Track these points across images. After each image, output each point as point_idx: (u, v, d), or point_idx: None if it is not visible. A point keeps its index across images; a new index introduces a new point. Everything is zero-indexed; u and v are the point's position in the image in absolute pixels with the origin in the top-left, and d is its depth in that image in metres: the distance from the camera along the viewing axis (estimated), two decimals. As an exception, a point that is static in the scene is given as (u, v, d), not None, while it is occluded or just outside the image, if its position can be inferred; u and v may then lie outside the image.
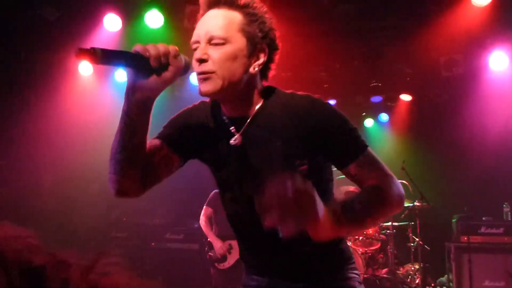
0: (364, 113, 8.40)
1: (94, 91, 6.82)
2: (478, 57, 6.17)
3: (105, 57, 1.31)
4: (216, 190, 5.40)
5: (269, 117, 1.58)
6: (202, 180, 6.33)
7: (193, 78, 7.15)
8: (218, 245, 5.15)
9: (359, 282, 1.76)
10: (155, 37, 5.75)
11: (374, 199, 1.51)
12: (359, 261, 5.83)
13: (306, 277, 1.70)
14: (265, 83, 1.67)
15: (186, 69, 1.44)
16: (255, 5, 1.55)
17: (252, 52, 1.52)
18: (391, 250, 6.09)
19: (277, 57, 1.63)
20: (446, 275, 5.98)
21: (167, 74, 1.39)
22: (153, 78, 1.39)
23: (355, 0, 5.52)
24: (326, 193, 1.66)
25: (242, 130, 1.59)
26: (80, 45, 1.34)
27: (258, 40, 1.53)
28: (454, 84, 6.71)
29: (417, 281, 5.89)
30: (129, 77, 1.44)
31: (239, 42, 1.49)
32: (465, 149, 6.79)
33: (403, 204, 1.60)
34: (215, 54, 1.47)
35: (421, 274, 5.75)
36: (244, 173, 1.61)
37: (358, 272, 1.80)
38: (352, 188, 7.26)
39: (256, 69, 1.54)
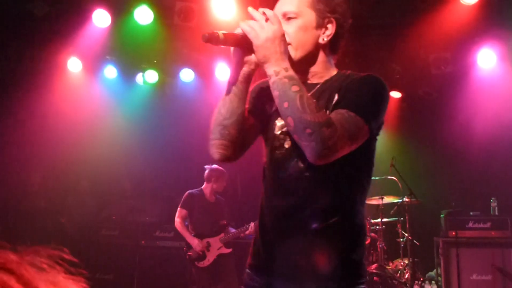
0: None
1: (83, 88, 6.77)
2: (467, 55, 6.22)
3: (225, 40, 1.59)
4: (189, 191, 5.42)
5: (332, 85, 1.73)
6: (191, 178, 6.35)
7: (184, 76, 7.11)
8: (195, 242, 5.17)
9: None
10: (145, 34, 5.73)
11: (309, 101, 1.52)
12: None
13: (310, 278, 1.66)
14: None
15: None
16: None
17: (321, 24, 1.71)
18: (380, 245, 6.14)
19: (346, 33, 1.79)
20: (435, 270, 6.05)
21: None
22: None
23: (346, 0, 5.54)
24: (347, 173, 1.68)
25: (309, 94, 1.70)
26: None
27: (326, 14, 1.71)
28: (443, 82, 6.77)
29: (406, 276, 5.94)
30: (237, 53, 1.67)
31: (308, 16, 1.70)
32: (453, 146, 6.86)
33: (314, 141, 1.49)
34: (289, 28, 1.68)
35: (410, 269, 5.80)
36: None
37: None
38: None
39: (326, 39, 1.72)
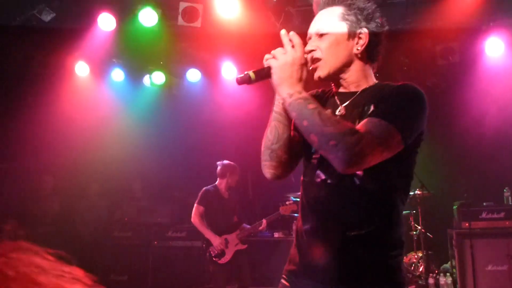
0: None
1: (91, 92, 6.82)
2: (474, 44, 6.16)
3: (257, 77, 1.67)
4: (205, 188, 5.42)
5: (369, 95, 1.75)
6: (201, 177, 6.36)
7: (190, 76, 7.13)
8: (217, 241, 5.16)
9: None
10: (150, 36, 5.74)
11: (328, 115, 1.56)
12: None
13: (344, 282, 1.68)
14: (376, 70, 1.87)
15: None
16: (362, 4, 1.79)
17: (353, 35, 1.75)
18: (393, 239, 6.10)
19: (382, 40, 1.82)
20: (449, 262, 6.02)
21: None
22: None
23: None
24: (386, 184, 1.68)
25: (346, 103, 1.78)
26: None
27: (358, 25, 1.75)
28: (451, 72, 6.71)
29: (420, 269, 5.92)
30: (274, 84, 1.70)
31: (339, 29, 1.75)
32: (464, 136, 6.80)
33: (342, 156, 1.50)
34: (322, 44, 1.76)
35: (424, 262, 5.78)
36: None
37: None
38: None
39: (359, 49, 1.75)
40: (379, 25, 1.80)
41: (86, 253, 6.02)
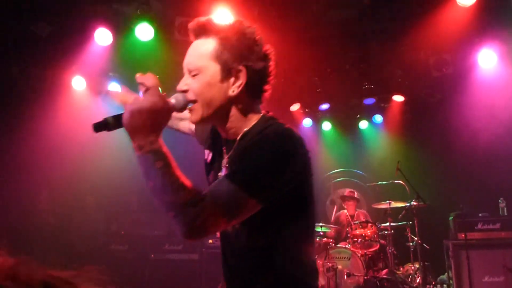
0: (358, 115, 8.46)
1: (88, 106, 6.84)
2: (467, 56, 6.24)
3: (116, 124, 1.46)
4: None
5: (246, 142, 1.60)
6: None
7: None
8: None
9: None
10: (146, 50, 5.79)
11: (173, 180, 1.40)
12: (358, 263, 5.85)
13: None
14: (264, 107, 1.70)
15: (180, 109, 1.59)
16: (230, 28, 1.59)
17: (228, 76, 1.56)
18: (390, 250, 6.11)
19: (270, 74, 1.64)
20: (446, 273, 6.01)
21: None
22: None
23: (344, 6, 5.59)
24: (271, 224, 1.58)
25: (230, 153, 1.66)
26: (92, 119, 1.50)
27: (233, 64, 1.55)
28: (445, 83, 6.78)
29: (417, 280, 5.91)
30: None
31: (212, 69, 1.56)
32: (459, 147, 6.84)
33: (180, 224, 1.41)
34: (193, 84, 1.57)
35: (421, 273, 5.77)
36: None
37: None
38: (347, 191, 7.32)
39: (235, 91, 1.57)
40: (262, 58, 1.60)
41: (82, 266, 5.98)
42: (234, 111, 1.61)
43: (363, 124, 8.52)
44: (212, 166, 1.75)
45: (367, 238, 6.13)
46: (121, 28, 5.63)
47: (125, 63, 6.40)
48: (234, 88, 1.57)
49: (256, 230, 1.58)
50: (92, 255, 6.66)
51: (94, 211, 7.17)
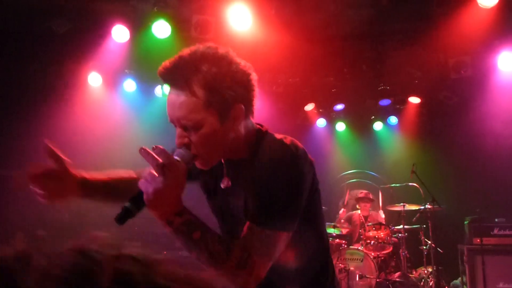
0: (373, 117, 8.39)
1: (103, 102, 6.89)
2: (487, 58, 6.15)
3: (137, 207, 1.39)
4: None
5: (249, 166, 1.58)
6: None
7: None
8: None
9: None
10: (162, 47, 5.81)
11: (216, 248, 1.39)
12: (371, 266, 5.81)
13: None
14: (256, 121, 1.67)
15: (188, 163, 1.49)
16: (211, 72, 1.44)
17: (227, 117, 1.48)
18: (403, 253, 6.06)
19: (255, 88, 1.56)
20: (460, 278, 5.93)
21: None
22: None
23: (362, 5, 5.54)
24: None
25: (231, 173, 1.65)
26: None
27: (228, 105, 1.47)
28: (463, 86, 6.69)
29: (430, 284, 5.84)
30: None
31: (210, 119, 1.46)
32: (476, 151, 6.75)
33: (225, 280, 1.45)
34: (195, 138, 1.48)
35: (434, 277, 5.71)
36: (225, 212, 1.72)
37: None
38: (363, 192, 7.26)
39: (236, 126, 1.53)
40: (247, 81, 1.51)
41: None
42: (235, 139, 1.56)
43: (378, 126, 8.45)
44: (216, 188, 1.71)
45: (380, 240, 6.08)
46: (138, 25, 5.65)
47: (141, 60, 6.43)
48: (235, 126, 1.52)
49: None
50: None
51: (107, 208, 7.23)
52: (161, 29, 5.49)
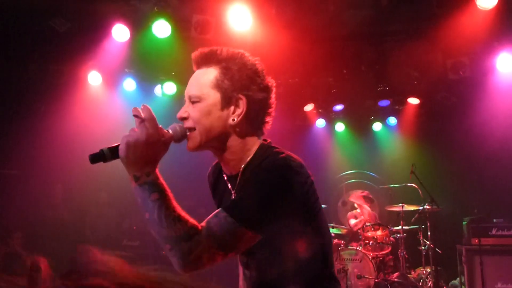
0: (372, 117, 8.41)
1: (103, 101, 6.89)
2: (485, 59, 6.16)
3: (112, 155, 1.48)
4: None
5: (244, 174, 1.63)
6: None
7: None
8: None
9: None
10: (162, 47, 5.82)
11: (167, 213, 1.40)
12: (370, 266, 5.82)
13: None
14: (265, 137, 1.71)
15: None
16: (232, 58, 1.61)
17: (228, 104, 1.58)
18: (402, 253, 6.07)
19: (270, 105, 1.66)
20: (458, 278, 5.95)
21: None
22: None
23: (361, 6, 5.55)
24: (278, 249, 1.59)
25: (235, 188, 1.66)
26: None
27: (233, 93, 1.57)
28: (462, 87, 6.70)
29: (429, 284, 5.86)
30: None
31: (212, 98, 1.58)
32: (474, 151, 6.77)
33: (176, 260, 1.43)
34: (193, 111, 1.60)
35: (433, 277, 5.72)
36: None
37: None
38: (364, 193, 7.27)
39: (235, 119, 1.58)
40: (263, 89, 1.61)
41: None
42: (233, 141, 1.61)
43: (377, 126, 8.47)
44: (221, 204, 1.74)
45: (378, 241, 6.10)
46: (139, 25, 5.66)
47: (141, 59, 6.44)
48: (234, 116, 1.58)
49: (264, 261, 1.62)
50: (105, 250, 6.71)
51: (107, 207, 7.24)
52: (161, 28, 5.50)
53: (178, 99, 7.23)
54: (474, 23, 5.19)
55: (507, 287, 5.27)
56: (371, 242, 6.10)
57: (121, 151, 1.44)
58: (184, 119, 1.61)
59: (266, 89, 1.64)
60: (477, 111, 6.61)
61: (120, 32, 5.65)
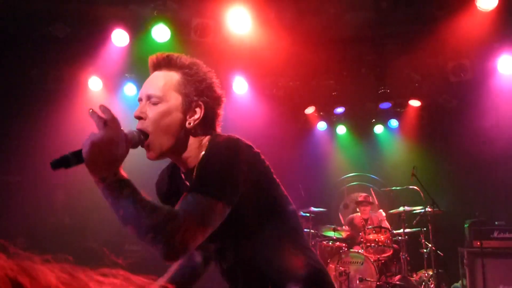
0: (373, 120, 8.40)
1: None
2: (486, 61, 6.15)
3: (76, 160, 1.44)
4: None
5: (200, 164, 1.64)
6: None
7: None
8: None
9: None
10: (162, 51, 5.82)
11: (144, 203, 1.39)
12: (371, 269, 5.80)
13: None
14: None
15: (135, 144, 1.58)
16: (193, 66, 1.69)
17: (188, 108, 1.64)
18: (403, 256, 6.05)
19: (219, 113, 1.73)
20: (460, 281, 5.92)
21: None
22: None
23: (362, 9, 5.55)
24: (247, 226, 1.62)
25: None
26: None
27: (193, 98, 1.64)
28: (463, 89, 6.69)
29: (431, 287, 5.83)
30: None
31: (174, 100, 1.63)
32: (476, 154, 6.75)
33: (156, 246, 1.38)
34: (152, 112, 1.61)
35: (434, 280, 5.70)
36: None
37: None
38: (363, 196, 7.26)
39: (192, 124, 1.64)
40: (216, 98, 1.71)
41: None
42: (190, 141, 1.67)
43: (378, 129, 8.45)
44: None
45: (380, 243, 6.08)
46: (138, 29, 5.67)
47: (141, 64, 6.43)
48: (191, 120, 1.64)
49: (241, 244, 1.63)
50: (106, 255, 6.71)
51: (108, 211, 7.23)
52: (160, 33, 5.51)
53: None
54: (475, 25, 5.18)
55: (509, 289, 5.25)
56: (373, 244, 6.08)
57: (86, 152, 1.41)
58: (140, 118, 1.62)
59: (219, 99, 1.72)
60: (478, 113, 6.60)
61: (119, 37, 5.66)
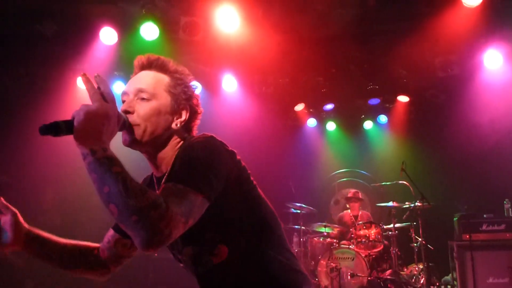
0: (363, 116, 8.45)
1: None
2: (473, 56, 6.22)
3: (66, 129, 1.39)
4: None
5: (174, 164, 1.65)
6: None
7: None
8: None
9: None
10: (151, 49, 5.80)
11: (133, 184, 1.32)
12: (362, 264, 5.85)
13: None
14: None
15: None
16: (182, 71, 1.75)
17: (176, 110, 1.69)
18: (394, 251, 6.10)
19: (198, 120, 1.80)
20: (450, 274, 5.99)
21: None
22: None
23: (349, 6, 5.58)
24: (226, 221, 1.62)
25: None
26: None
27: (182, 101, 1.70)
28: (450, 84, 6.76)
29: (421, 281, 5.89)
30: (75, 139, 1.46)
31: (164, 100, 1.66)
32: (464, 148, 6.82)
33: (138, 232, 1.31)
34: (141, 108, 1.62)
35: (425, 274, 5.76)
36: None
37: None
38: (352, 192, 7.31)
39: (178, 125, 1.69)
40: (198, 105, 1.78)
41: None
42: (172, 142, 1.70)
43: (368, 125, 8.51)
44: None
45: (371, 239, 6.13)
46: (126, 27, 5.64)
47: (130, 62, 6.37)
48: (178, 122, 1.69)
49: (218, 248, 1.62)
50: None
51: (99, 210, 7.19)
52: (149, 31, 5.49)
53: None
54: (461, 21, 5.24)
55: (498, 281, 5.32)
56: (363, 240, 6.13)
57: (79, 121, 1.35)
58: (128, 113, 1.61)
59: (199, 108, 1.79)
60: (466, 108, 6.67)
61: (108, 35, 5.62)
